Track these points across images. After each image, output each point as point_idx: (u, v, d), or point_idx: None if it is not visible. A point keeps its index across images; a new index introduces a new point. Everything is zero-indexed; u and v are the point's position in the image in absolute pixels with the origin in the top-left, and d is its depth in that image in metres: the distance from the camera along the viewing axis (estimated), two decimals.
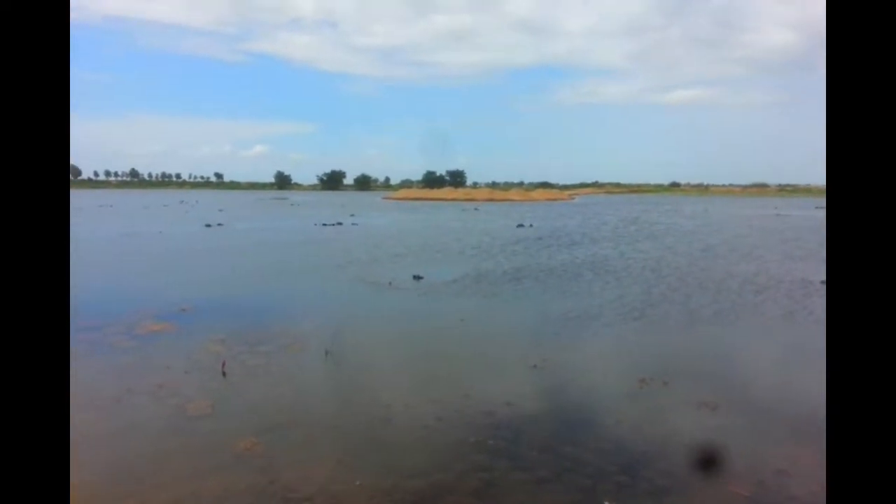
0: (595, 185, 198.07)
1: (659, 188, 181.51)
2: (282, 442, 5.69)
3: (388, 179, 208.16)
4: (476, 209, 65.44)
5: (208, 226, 35.60)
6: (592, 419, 6.53)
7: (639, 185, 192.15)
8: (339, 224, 37.64)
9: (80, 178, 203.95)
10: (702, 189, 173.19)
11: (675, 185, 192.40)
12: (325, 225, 36.91)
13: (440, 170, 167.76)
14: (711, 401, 6.92)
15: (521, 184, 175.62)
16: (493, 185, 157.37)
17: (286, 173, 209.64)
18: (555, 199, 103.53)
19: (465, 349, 9.13)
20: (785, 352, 9.57)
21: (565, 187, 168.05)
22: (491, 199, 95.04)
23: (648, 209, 64.95)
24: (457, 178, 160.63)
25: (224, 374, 7.67)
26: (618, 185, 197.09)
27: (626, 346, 9.35)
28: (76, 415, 6.41)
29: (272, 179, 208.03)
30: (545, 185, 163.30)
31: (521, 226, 37.12)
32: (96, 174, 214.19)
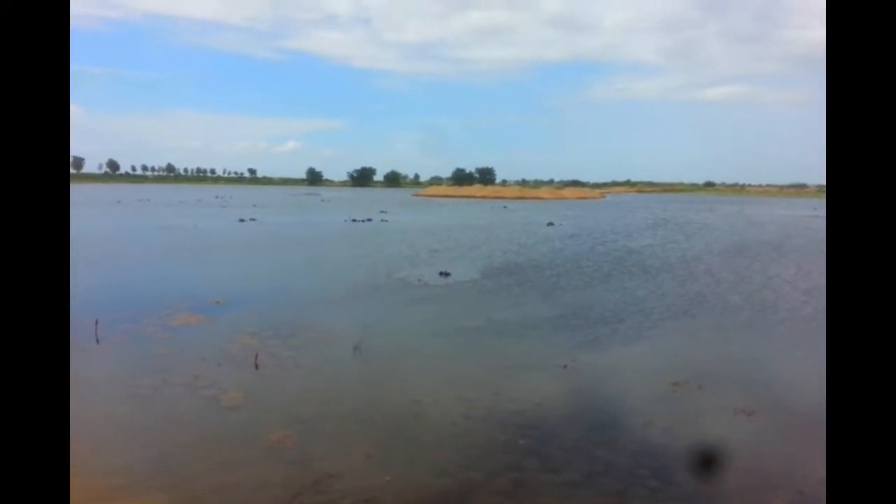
0: (627, 183, 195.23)
1: (693, 187, 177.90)
2: (313, 435, 5.76)
3: (417, 176, 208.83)
4: (505, 207, 65.12)
5: (242, 220, 36.25)
6: (624, 422, 6.43)
7: (672, 185, 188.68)
8: (369, 220, 37.90)
9: (118, 172, 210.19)
10: (737, 189, 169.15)
11: (709, 185, 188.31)
12: (354, 221, 37.21)
13: (469, 167, 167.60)
14: (747, 406, 6.74)
15: (551, 182, 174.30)
16: (523, 183, 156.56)
17: (317, 169, 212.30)
18: (585, 198, 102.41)
19: (493, 347, 9.09)
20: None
21: (596, 185, 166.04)
22: (520, 197, 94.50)
23: (682, 208, 63.72)
24: (486, 176, 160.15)
25: (256, 366, 7.80)
26: (650, 183, 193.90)
27: (657, 348, 9.18)
28: (117, 404, 6.61)
29: (304, 175, 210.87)
30: (576, 184, 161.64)
31: (550, 224, 36.80)
32: (134, 168, 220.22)
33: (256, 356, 8.04)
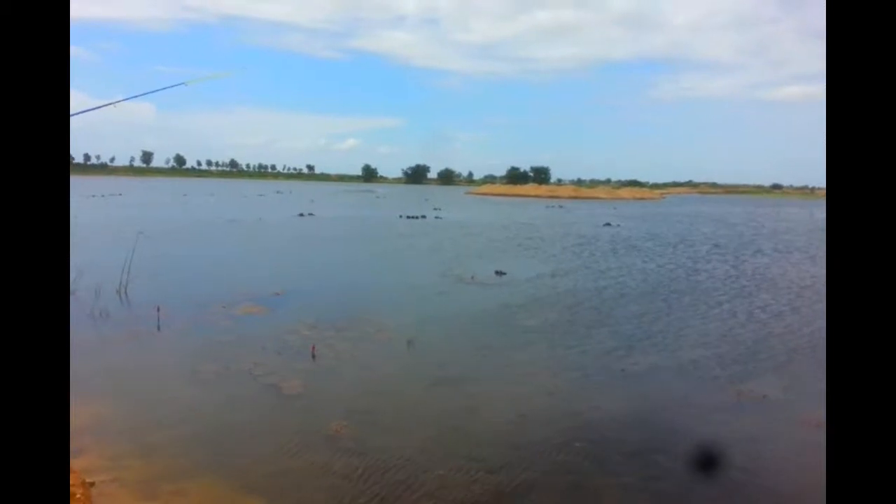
0: (689, 184, 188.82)
1: (759, 190, 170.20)
2: (369, 426, 5.84)
3: (471, 174, 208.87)
4: (560, 206, 64.24)
5: (301, 215, 37.27)
6: (684, 429, 6.22)
7: (736, 186, 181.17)
8: (423, 217, 38.19)
9: (184, 167, 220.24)
10: (806, 192, 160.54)
11: (776, 188, 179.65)
12: (409, 217, 37.59)
13: (524, 166, 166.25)
14: (819, 419, 6.38)
15: (608, 181, 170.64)
16: (579, 183, 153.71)
17: (373, 166, 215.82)
18: (644, 198, 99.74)
19: (550, 348, 8.98)
20: None
21: (655, 186, 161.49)
22: (576, 197, 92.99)
23: (748, 211, 61.07)
24: (541, 175, 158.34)
25: (313, 356, 7.99)
26: (713, 185, 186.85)
27: (721, 355, 8.83)
28: (184, 388, 6.93)
29: (360, 172, 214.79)
30: (634, 184, 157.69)
31: (607, 225, 36.05)
32: (199, 163, 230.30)
33: (313, 347, 8.23)
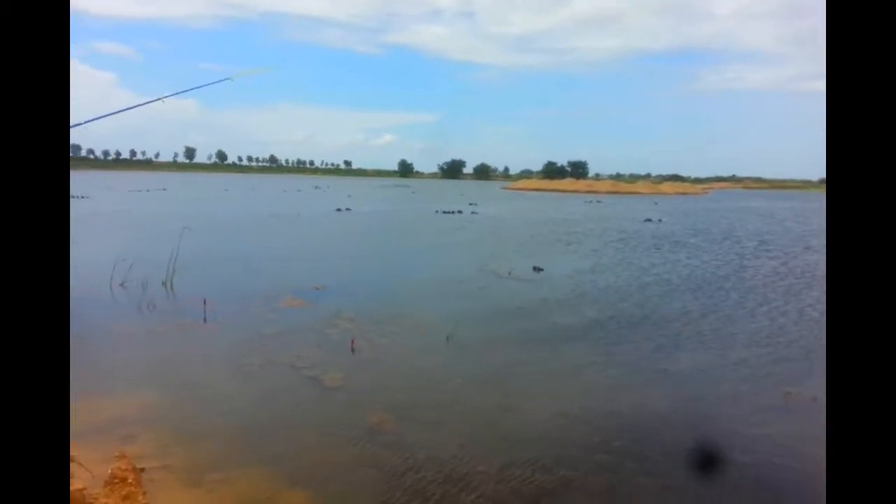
0: (732, 179, 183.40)
1: (806, 184, 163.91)
2: (409, 420, 5.88)
3: (507, 169, 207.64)
4: (598, 201, 63.31)
5: (339, 210, 37.75)
6: (729, 430, 6.04)
7: (783, 181, 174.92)
8: (459, 212, 38.18)
9: (226, 162, 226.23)
10: None
11: (824, 182, 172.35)
12: (445, 212, 37.64)
13: (561, 160, 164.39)
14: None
15: (647, 176, 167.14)
16: (617, 177, 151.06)
17: (409, 161, 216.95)
18: (685, 193, 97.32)
19: (589, 345, 8.85)
20: None
21: (697, 180, 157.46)
22: (614, 192, 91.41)
23: (795, 206, 58.94)
24: (578, 169, 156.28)
25: (353, 350, 8.07)
26: (758, 179, 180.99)
27: (769, 355, 8.54)
28: (230, 379, 7.10)
29: (396, 167, 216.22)
30: (675, 178, 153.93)
31: (648, 220, 35.32)
32: (240, 159, 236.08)
33: (353, 341, 8.32)
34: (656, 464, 5.26)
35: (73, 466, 3.05)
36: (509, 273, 14.71)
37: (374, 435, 5.51)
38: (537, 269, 15.23)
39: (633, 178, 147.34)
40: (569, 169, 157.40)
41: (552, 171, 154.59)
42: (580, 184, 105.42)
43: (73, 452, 3.09)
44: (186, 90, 5.08)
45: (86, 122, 3.82)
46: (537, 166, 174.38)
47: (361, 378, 7.14)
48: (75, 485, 3.00)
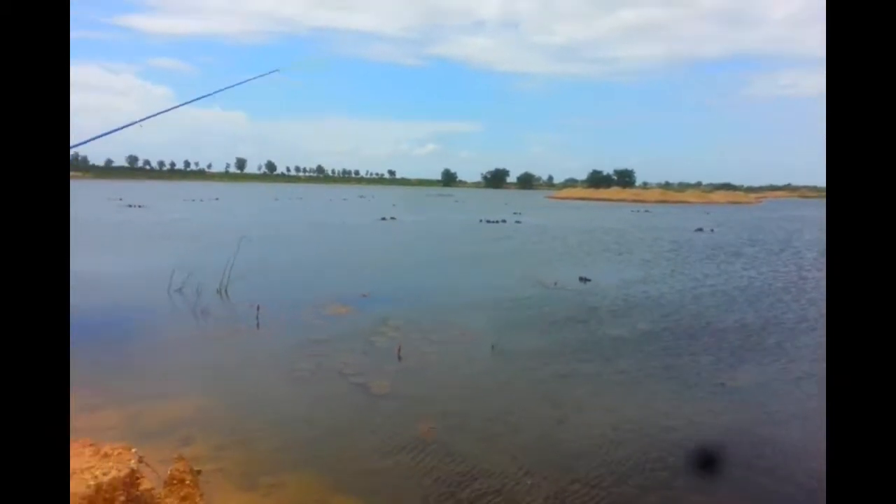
0: (787, 187, 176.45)
1: None
2: (456, 430, 5.82)
3: (551, 178, 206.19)
4: (646, 211, 61.96)
5: (383, 219, 38.18)
6: (790, 448, 5.73)
7: None
8: (503, 221, 38.01)
9: (275, 172, 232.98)
10: None
11: None
12: (488, 222, 37.54)
13: (607, 169, 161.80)
14: None
15: (698, 185, 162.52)
16: (666, 186, 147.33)
17: (452, 171, 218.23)
18: (738, 202, 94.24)
19: (642, 358, 8.59)
20: None
21: (750, 189, 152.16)
22: (663, 201, 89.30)
23: None
24: (625, 178, 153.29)
25: (400, 357, 8.09)
26: (814, 188, 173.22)
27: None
28: (281, 384, 7.22)
29: (439, 177, 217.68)
30: (727, 187, 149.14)
31: (699, 230, 34.28)
32: (288, 169, 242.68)
33: (399, 348, 8.34)
34: (713, 483, 5.04)
35: (140, 467, 3.12)
36: (555, 283, 14.50)
37: (422, 444, 5.48)
38: (584, 280, 14.95)
39: (683, 187, 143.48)
40: (615, 178, 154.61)
41: (597, 180, 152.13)
42: (627, 193, 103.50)
43: (141, 453, 3.18)
44: (237, 84, 5.19)
45: (88, 141, 3.96)
46: (582, 175, 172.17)
47: (408, 386, 7.13)
48: (144, 485, 3.08)
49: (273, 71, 5.62)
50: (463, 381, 7.52)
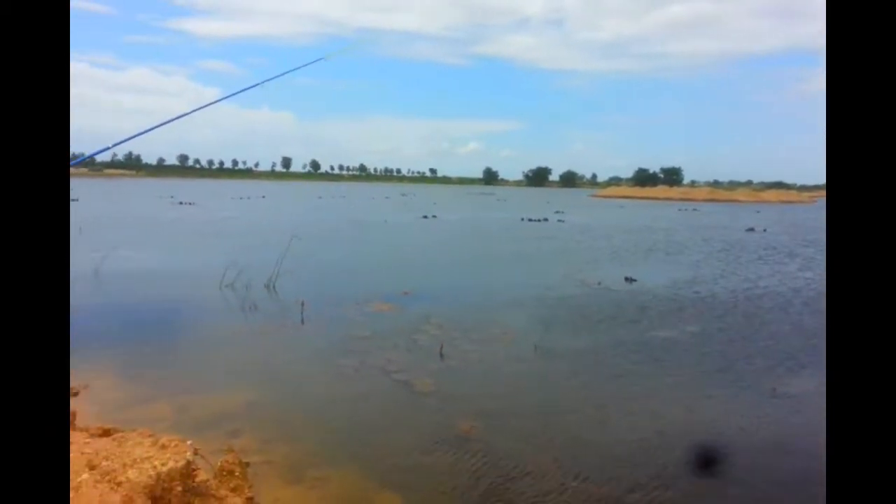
0: None
1: None
2: (499, 429, 5.79)
3: (595, 176, 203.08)
4: (695, 209, 60.27)
5: (425, 217, 38.37)
6: None
7: None
8: (545, 220, 37.64)
9: (319, 171, 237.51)
10: None
11: None
12: (530, 220, 37.24)
13: (653, 167, 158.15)
14: None
15: (748, 183, 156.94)
16: (715, 184, 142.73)
17: (494, 169, 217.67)
18: (791, 202, 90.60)
19: (691, 361, 8.36)
20: None
21: (804, 188, 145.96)
22: (712, 199, 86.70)
23: None
24: (672, 176, 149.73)
25: (442, 356, 8.10)
26: None
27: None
28: (326, 379, 7.34)
29: (480, 175, 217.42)
30: (779, 186, 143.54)
31: (750, 230, 33.11)
32: (332, 168, 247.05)
33: (441, 346, 8.35)
34: (762, 493, 4.85)
35: (195, 459, 3.23)
36: (599, 283, 14.26)
37: (465, 442, 5.47)
38: (630, 280, 14.65)
39: (733, 186, 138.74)
40: (661, 176, 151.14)
41: (643, 179, 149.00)
42: (674, 191, 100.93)
43: (196, 445, 3.28)
44: (282, 74, 5.28)
45: (115, 145, 4.07)
46: (627, 173, 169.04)
47: (450, 384, 7.13)
48: (199, 476, 3.18)
49: (318, 59, 5.70)
50: (505, 380, 7.47)
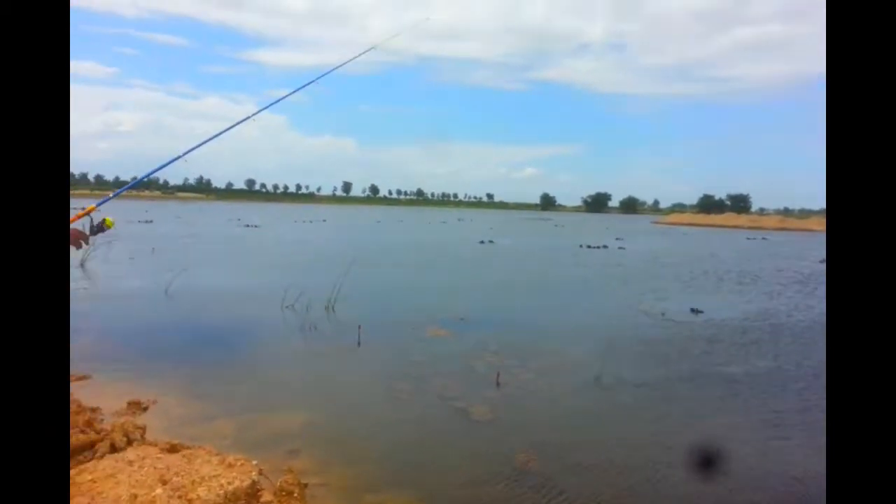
0: None
1: None
2: (557, 463, 5.60)
3: (656, 202, 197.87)
4: (764, 238, 57.60)
5: (482, 242, 38.35)
6: None
7: None
8: (605, 247, 36.83)
9: (378, 195, 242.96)
10: None
11: None
12: (589, 247, 36.54)
13: (719, 193, 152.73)
14: None
15: (822, 212, 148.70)
16: (786, 212, 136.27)
17: (551, 195, 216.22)
18: None
19: (762, 402, 7.87)
20: None
21: None
22: (783, 228, 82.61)
23: None
24: (739, 203, 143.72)
25: (498, 384, 7.97)
26: None
27: None
28: (382, 403, 7.36)
29: (537, 200, 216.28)
30: None
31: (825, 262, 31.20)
32: (390, 192, 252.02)
33: (498, 374, 8.22)
34: None
35: (260, 479, 3.27)
36: (663, 314, 13.74)
37: (522, 475, 5.31)
38: (696, 311, 14.05)
39: (805, 214, 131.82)
40: (728, 203, 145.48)
41: (709, 205, 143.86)
42: (742, 219, 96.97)
43: (259, 465, 3.33)
44: (335, 67, 5.36)
45: (161, 167, 4.23)
46: (691, 200, 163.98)
47: (507, 413, 6.99)
48: (264, 497, 3.22)
49: (370, 48, 5.78)
50: (564, 412, 7.26)
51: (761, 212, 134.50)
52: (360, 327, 10.36)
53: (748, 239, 55.49)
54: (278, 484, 3.88)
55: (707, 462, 5.18)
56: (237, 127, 4.22)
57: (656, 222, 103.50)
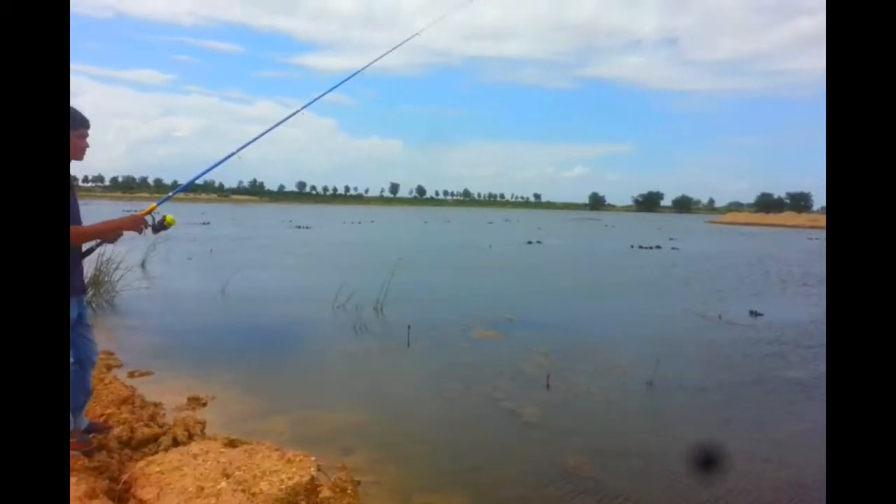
0: None
1: None
2: (609, 468, 5.50)
3: (711, 201, 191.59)
4: None
5: (529, 242, 38.06)
6: None
7: None
8: (658, 247, 35.91)
9: (424, 196, 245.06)
10: None
11: None
12: (641, 248, 35.70)
13: (779, 192, 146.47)
14: None
15: None
16: None
17: (600, 194, 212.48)
18: None
19: (819, 407, 7.48)
20: None
21: None
22: None
23: None
24: (800, 202, 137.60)
25: (548, 386, 7.88)
26: None
27: None
28: (432, 403, 7.40)
29: (586, 200, 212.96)
30: None
31: None
32: (437, 193, 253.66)
33: (549, 377, 8.13)
34: None
35: (318, 474, 3.35)
36: (720, 317, 13.28)
37: (574, 479, 5.24)
38: (755, 314, 13.52)
39: None
40: (787, 201, 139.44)
41: (767, 204, 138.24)
42: (802, 218, 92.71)
43: (317, 462, 3.41)
44: (377, 59, 5.39)
45: (202, 174, 4.37)
46: (748, 198, 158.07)
47: (558, 416, 6.91)
48: (323, 493, 3.29)
49: (413, 35, 5.80)
50: (616, 416, 7.12)
51: (823, 211, 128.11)
52: (409, 327, 10.44)
53: (810, 239, 52.96)
54: (332, 480, 3.96)
55: (707, 462, 4.95)
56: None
57: (711, 222, 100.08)
